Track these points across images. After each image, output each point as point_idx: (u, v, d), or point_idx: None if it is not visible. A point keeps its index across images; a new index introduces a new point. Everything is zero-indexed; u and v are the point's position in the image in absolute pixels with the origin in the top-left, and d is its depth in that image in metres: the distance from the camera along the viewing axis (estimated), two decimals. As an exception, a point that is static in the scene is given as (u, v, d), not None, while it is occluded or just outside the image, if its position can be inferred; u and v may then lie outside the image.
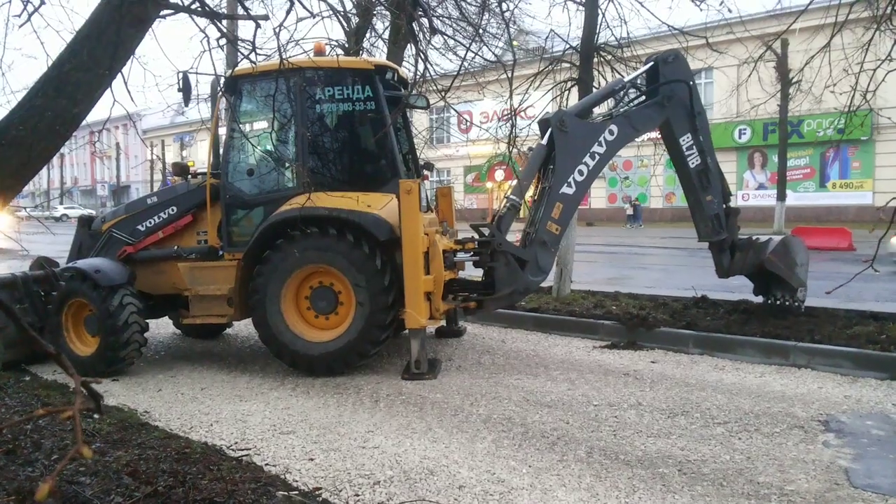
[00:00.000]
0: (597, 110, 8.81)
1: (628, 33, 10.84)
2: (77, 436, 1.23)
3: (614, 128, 7.93)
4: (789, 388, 6.45)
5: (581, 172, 7.75)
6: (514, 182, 8.20)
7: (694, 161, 8.43)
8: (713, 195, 8.54)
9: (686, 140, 8.37)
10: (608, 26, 10.70)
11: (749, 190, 34.52)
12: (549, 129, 7.71)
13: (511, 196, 7.80)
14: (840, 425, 5.38)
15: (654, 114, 8.20)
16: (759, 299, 9.06)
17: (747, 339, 7.69)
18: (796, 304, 8.60)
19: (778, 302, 8.77)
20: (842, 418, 5.54)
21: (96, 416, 5.50)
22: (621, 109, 8.30)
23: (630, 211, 37.76)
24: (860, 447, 4.91)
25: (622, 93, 8.46)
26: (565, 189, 7.66)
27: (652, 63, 8.38)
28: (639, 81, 8.43)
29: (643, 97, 8.38)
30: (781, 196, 26.99)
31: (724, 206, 8.65)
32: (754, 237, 8.82)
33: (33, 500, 3.88)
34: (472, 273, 8.22)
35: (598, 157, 7.83)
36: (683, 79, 8.29)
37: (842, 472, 4.49)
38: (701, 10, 10.49)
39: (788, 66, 23.44)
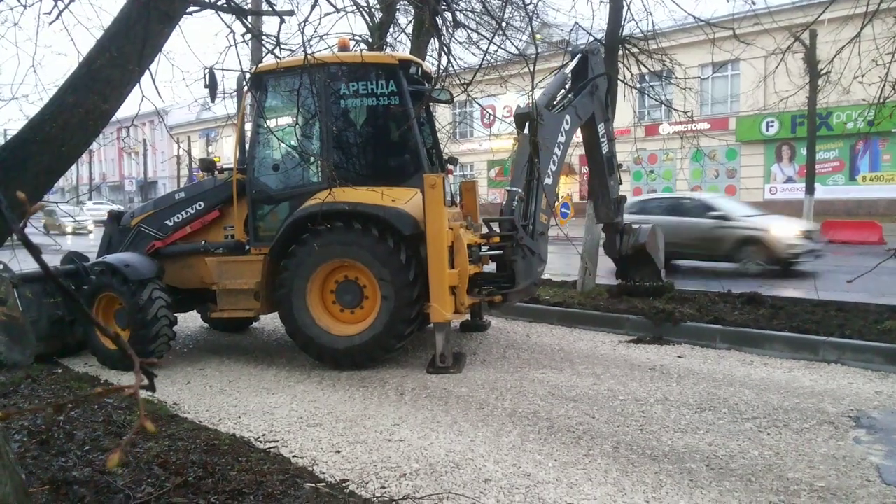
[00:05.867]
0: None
1: (654, 25, 10.74)
2: (141, 411, 1.32)
3: (568, 118, 8.50)
4: (819, 383, 6.36)
5: (554, 162, 8.16)
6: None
7: (605, 148, 9.45)
8: (614, 181, 9.71)
9: (601, 128, 9.33)
10: (633, 18, 10.63)
11: (777, 183, 33.95)
12: (528, 123, 7.81)
13: (514, 188, 7.82)
14: (871, 421, 5.30)
15: (589, 102, 8.98)
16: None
17: (775, 334, 7.61)
18: (660, 283, 9.89)
19: (637, 282, 9.96)
20: (873, 414, 5.46)
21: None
22: (564, 100, 8.87)
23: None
24: (892, 444, 4.84)
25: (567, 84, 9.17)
26: (547, 180, 7.98)
27: (580, 56, 9.15)
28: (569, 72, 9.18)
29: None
30: (810, 189, 26.48)
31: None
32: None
33: (67, 489, 3.95)
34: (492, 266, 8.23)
35: (562, 147, 8.33)
36: (607, 72, 9.37)
37: (873, 468, 4.42)
38: (728, 0, 10.38)
39: (817, 58, 23.02)
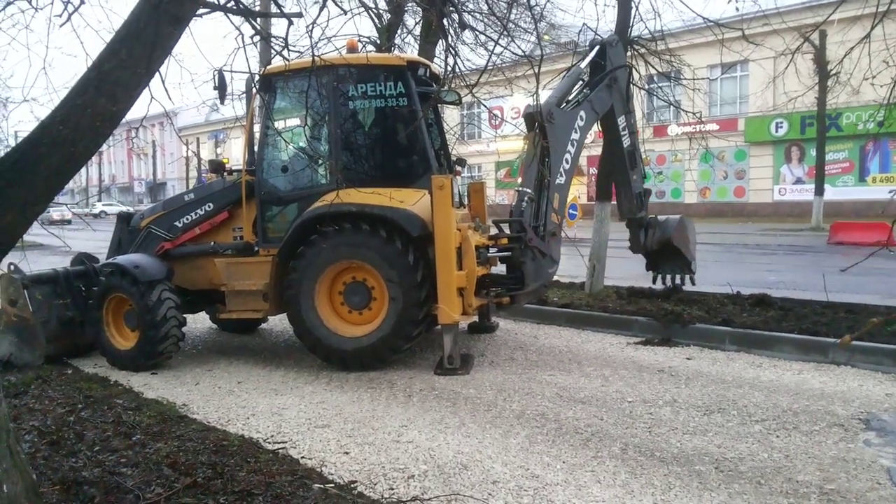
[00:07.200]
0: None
1: (662, 26, 10.72)
2: None
3: (583, 114, 8.27)
4: (829, 385, 6.33)
5: (567, 161, 8.01)
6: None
7: (626, 141, 9.16)
8: (637, 175, 9.40)
9: (622, 121, 9.04)
10: (641, 19, 10.58)
11: (786, 185, 33.82)
12: (537, 123, 7.69)
13: (524, 189, 7.74)
14: (881, 424, 5.27)
15: (607, 96, 8.71)
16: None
17: (785, 336, 7.56)
18: (691, 276, 9.64)
19: (668, 278, 9.80)
20: (883, 417, 5.43)
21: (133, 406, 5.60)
22: (580, 95, 8.68)
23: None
24: (903, 446, 4.81)
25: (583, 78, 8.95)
26: (559, 180, 7.86)
27: (598, 47, 8.88)
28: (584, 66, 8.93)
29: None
30: (819, 191, 26.44)
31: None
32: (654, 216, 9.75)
33: (77, 489, 3.98)
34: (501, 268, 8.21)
35: (576, 145, 8.15)
36: (625, 63, 9.08)
37: (883, 471, 4.40)
38: (737, 9, 10.38)
39: (827, 58, 22.92)
